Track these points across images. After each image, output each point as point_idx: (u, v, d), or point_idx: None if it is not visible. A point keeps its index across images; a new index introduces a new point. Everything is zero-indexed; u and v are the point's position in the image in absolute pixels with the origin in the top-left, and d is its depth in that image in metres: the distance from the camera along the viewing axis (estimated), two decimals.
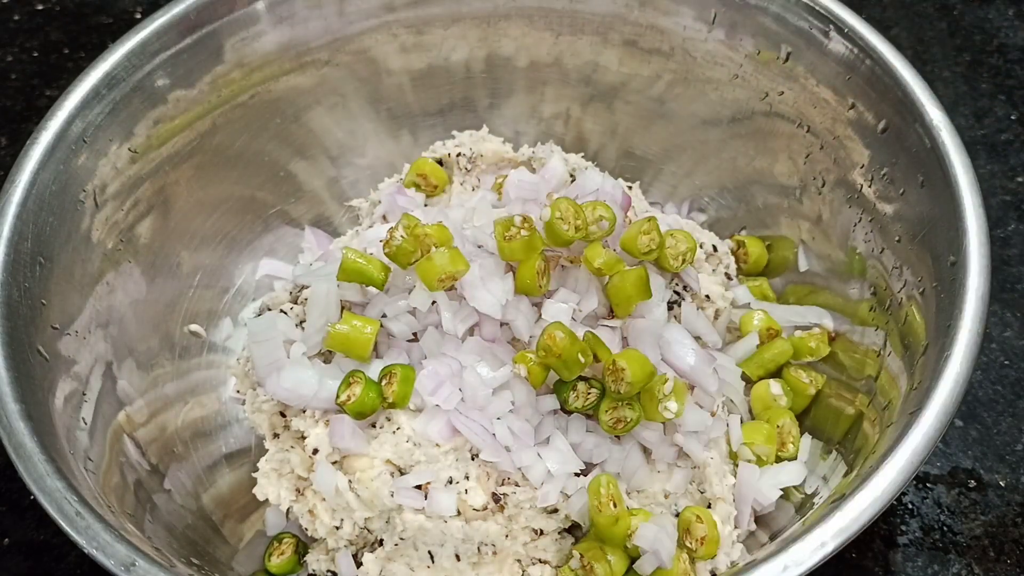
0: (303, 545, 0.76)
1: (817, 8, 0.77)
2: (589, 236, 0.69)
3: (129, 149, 0.78)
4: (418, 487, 0.66)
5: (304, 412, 0.71)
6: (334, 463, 0.69)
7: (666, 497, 0.69)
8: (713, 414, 0.71)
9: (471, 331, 0.69)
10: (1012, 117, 1.05)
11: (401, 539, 0.68)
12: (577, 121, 0.95)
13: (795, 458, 0.75)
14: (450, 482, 0.66)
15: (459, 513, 0.66)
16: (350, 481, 0.67)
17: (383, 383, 0.68)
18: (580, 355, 0.65)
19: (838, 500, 0.57)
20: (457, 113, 0.95)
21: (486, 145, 0.88)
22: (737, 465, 0.73)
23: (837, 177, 0.79)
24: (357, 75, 0.90)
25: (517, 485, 0.67)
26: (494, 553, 0.68)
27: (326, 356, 0.72)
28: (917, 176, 0.71)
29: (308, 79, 0.88)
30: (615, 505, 0.64)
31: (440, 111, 0.95)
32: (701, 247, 0.80)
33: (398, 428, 0.67)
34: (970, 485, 0.82)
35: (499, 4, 0.88)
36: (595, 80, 0.92)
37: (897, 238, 0.72)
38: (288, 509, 0.73)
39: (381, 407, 0.68)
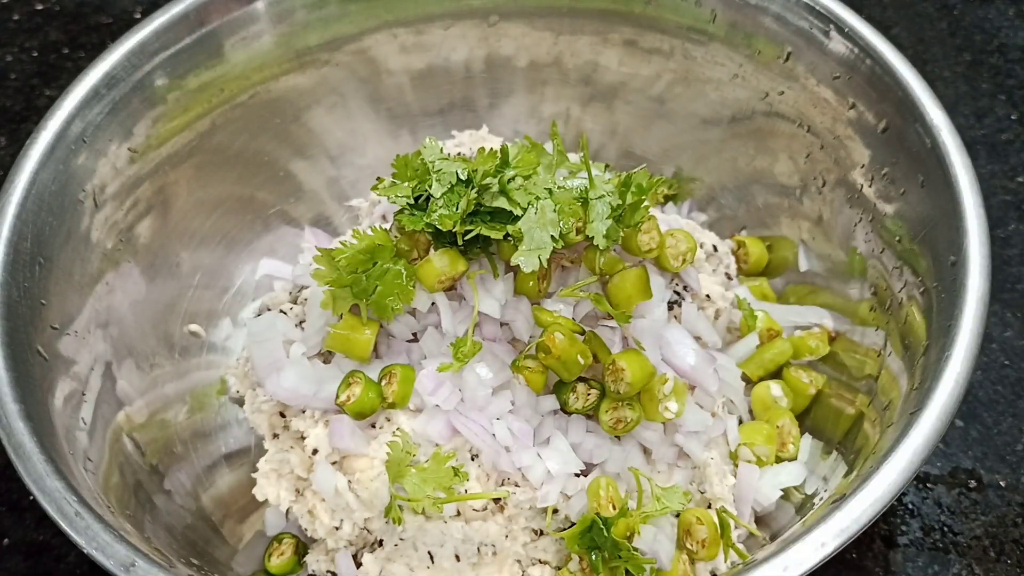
0: (303, 545, 0.76)
1: (817, 8, 0.77)
2: None
3: (129, 149, 0.78)
4: None
5: (304, 412, 0.71)
6: (334, 463, 0.69)
7: None
8: (713, 414, 0.71)
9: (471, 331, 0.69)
10: (1012, 117, 1.05)
11: (401, 539, 0.68)
12: (577, 121, 0.95)
13: (795, 458, 0.75)
14: None
15: (459, 513, 0.66)
16: (349, 481, 0.67)
17: (383, 383, 0.68)
18: (579, 356, 0.65)
19: (838, 500, 0.57)
20: (457, 113, 0.95)
21: (486, 145, 0.88)
22: (737, 465, 0.73)
23: (837, 177, 0.79)
24: (357, 75, 0.90)
25: (517, 485, 0.67)
26: (494, 554, 0.67)
27: (326, 356, 0.72)
28: (917, 176, 0.70)
29: (308, 79, 0.88)
30: (614, 507, 0.64)
31: (440, 111, 0.95)
32: (701, 247, 0.80)
33: (398, 428, 0.67)
34: (970, 485, 0.82)
35: (499, 4, 0.88)
36: (595, 80, 0.92)
37: (897, 238, 0.72)
38: (288, 509, 0.73)
39: (381, 407, 0.68)
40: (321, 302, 0.68)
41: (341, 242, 0.67)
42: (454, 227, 0.65)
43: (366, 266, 0.66)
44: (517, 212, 0.64)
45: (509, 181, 0.66)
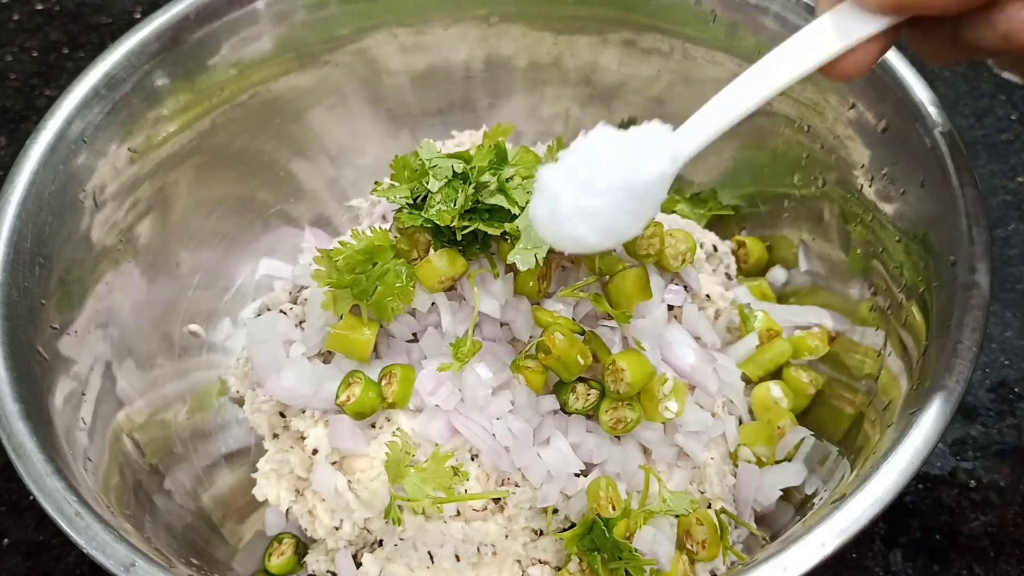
0: (303, 545, 0.76)
1: None
2: None
3: (129, 149, 0.78)
4: None
5: (304, 412, 0.71)
6: (333, 463, 0.69)
7: None
8: (713, 414, 0.71)
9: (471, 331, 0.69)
10: (1012, 117, 1.05)
11: (401, 539, 0.68)
12: (577, 121, 0.95)
13: (795, 458, 0.75)
14: None
15: (459, 513, 0.66)
16: (349, 481, 0.67)
17: (383, 383, 0.68)
18: (579, 356, 0.65)
19: (838, 500, 0.57)
20: (457, 113, 0.95)
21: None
22: (737, 465, 0.73)
23: (837, 177, 0.79)
24: (357, 75, 0.90)
25: (517, 485, 0.67)
26: (494, 554, 0.67)
27: (326, 356, 0.72)
28: (917, 176, 0.70)
29: (308, 79, 0.88)
30: (614, 508, 0.64)
31: (440, 111, 0.95)
32: (701, 247, 0.80)
33: (398, 428, 0.67)
34: (970, 485, 0.82)
35: (499, 4, 0.88)
36: (595, 80, 0.92)
37: (897, 238, 0.72)
38: (288, 509, 0.73)
39: (381, 407, 0.68)
40: (322, 303, 0.68)
41: (341, 242, 0.67)
42: (452, 222, 0.65)
43: (366, 267, 0.67)
44: (515, 210, 0.64)
45: (508, 180, 0.66)
